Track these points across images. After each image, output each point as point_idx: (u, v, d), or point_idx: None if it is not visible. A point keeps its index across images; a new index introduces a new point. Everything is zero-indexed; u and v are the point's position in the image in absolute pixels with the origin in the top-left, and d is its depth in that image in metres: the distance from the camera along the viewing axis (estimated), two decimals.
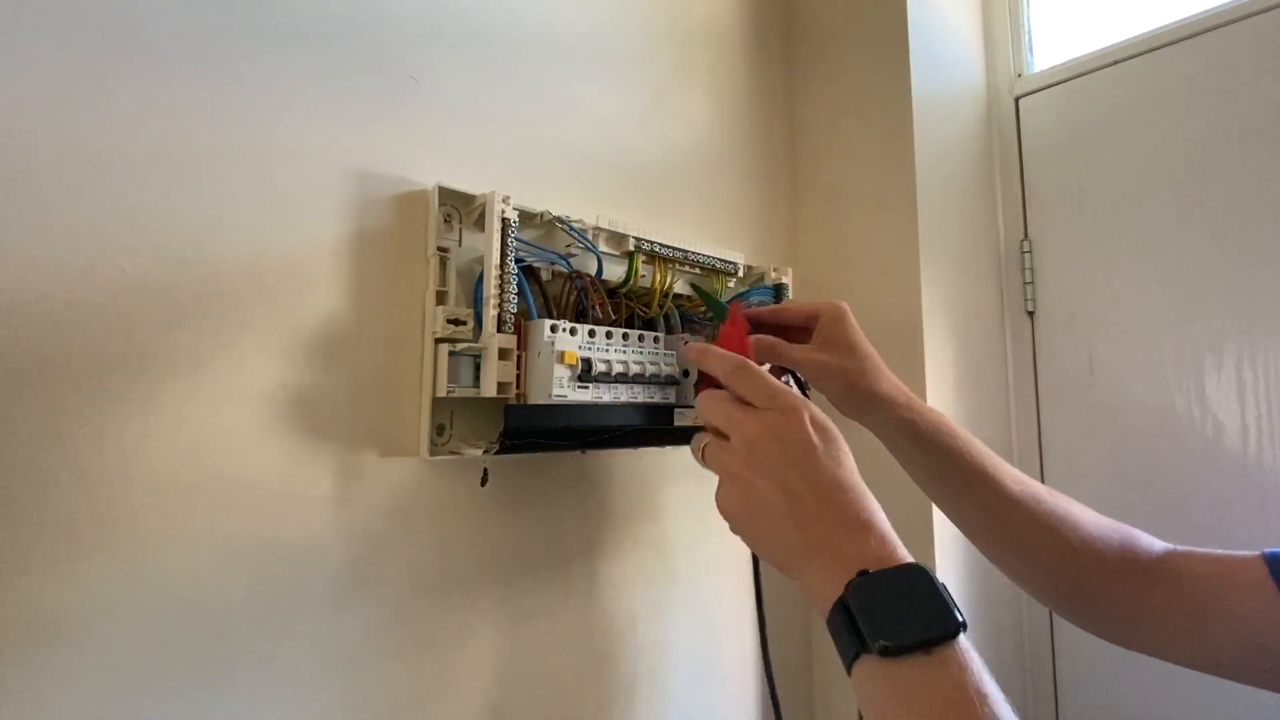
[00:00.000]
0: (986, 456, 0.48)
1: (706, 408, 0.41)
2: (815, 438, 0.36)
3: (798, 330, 0.54)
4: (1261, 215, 0.66)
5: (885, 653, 0.28)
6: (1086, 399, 0.77)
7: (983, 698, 0.27)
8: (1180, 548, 0.44)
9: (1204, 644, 0.41)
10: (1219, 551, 0.43)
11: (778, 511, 0.34)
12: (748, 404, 0.39)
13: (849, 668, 0.30)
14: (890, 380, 0.51)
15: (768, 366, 0.53)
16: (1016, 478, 0.47)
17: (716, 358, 0.43)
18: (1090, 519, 0.46)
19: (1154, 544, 0.45)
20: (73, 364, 0.39)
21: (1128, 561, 0.44)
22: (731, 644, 0.70)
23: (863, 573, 0.30)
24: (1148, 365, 0.73)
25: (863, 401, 0.50)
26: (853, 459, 0.37)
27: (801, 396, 0.39)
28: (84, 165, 0.40)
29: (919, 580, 0.30)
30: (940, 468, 0.48)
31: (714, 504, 0.40)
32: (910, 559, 0.32)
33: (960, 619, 0.29)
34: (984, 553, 0.49)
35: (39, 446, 0.37)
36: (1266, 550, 0.40)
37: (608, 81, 0.67)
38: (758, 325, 0.54)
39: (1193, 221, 0.70)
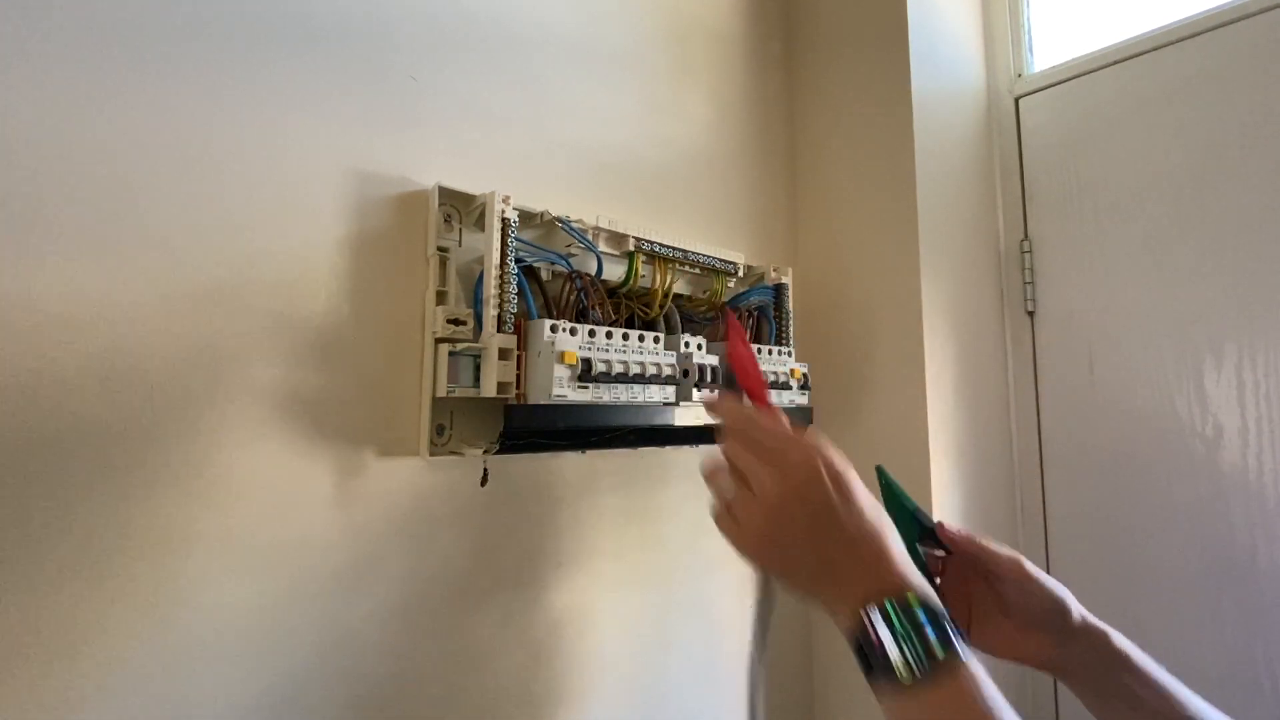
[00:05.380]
0: (1156, 669, 0.43)
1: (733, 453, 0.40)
2: (835, 496, 0.36)
3: (975, 571, 0.47)
4: (1261, 215, 0.66)
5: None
6: (1086, 399, 0.77)
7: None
8: None
9: None
10: None
11: (808, 563, 0.37)
12: (767, 450, 0.38)
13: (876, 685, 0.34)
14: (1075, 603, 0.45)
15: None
16: (1178, 687, 0.43)
17: (727, 410, 0.41)
18: None
19: None
20: (75, 366, 0.39)
21: None
22: (732, 643, 0.70)
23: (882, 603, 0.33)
24: (1148, 365, 0.73)
25: (1067, 639, 0.44)
26: (863, 488, 0.38)
27: (814, 443, 0.38)
28: (87, 167, 0.40)
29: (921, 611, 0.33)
30: (1120, 690, 0.43)
31: (712, 505, 0.41)
32: (916, 586, 0.34)
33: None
34: None
35: (38, 446, 0.37)
36: None
37: (608, 81, 0.67)
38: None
39: (1192, 221, 0.70)
